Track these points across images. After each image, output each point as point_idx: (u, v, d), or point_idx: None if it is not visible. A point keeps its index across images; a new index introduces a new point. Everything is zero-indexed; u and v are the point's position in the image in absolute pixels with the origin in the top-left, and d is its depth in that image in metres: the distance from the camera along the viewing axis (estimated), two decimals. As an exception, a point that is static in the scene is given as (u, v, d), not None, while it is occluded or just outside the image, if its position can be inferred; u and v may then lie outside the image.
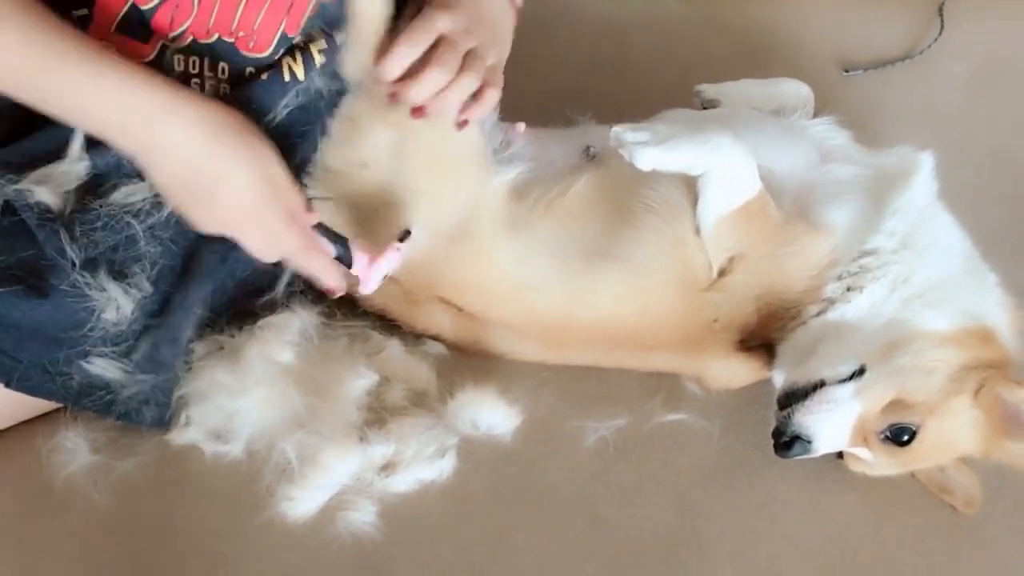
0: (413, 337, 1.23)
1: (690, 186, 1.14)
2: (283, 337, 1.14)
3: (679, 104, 1.33)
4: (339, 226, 1.11)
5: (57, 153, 1.01)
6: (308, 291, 1.19)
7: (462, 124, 1.06)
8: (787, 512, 1.13)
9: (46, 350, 1.03)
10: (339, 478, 1.08)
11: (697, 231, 1.14)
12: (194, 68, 1.05)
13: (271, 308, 1.17)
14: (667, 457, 1.16)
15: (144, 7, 0.99)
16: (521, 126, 1.24)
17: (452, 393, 1.16)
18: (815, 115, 1.34)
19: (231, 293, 1.14)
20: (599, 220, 1.18)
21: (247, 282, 1.15)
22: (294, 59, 1.08)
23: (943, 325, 1.09)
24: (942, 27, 1.75)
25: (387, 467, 1.11)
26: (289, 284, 1.18)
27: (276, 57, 1.07)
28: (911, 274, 1.12)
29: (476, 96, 1.05)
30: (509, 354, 1.22)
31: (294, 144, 1.09)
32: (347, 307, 1.22)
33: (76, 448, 1.09)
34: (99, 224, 1.02)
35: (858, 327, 1.11)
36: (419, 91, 1.02)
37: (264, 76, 1.06)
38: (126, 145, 0.96)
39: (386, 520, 1.07)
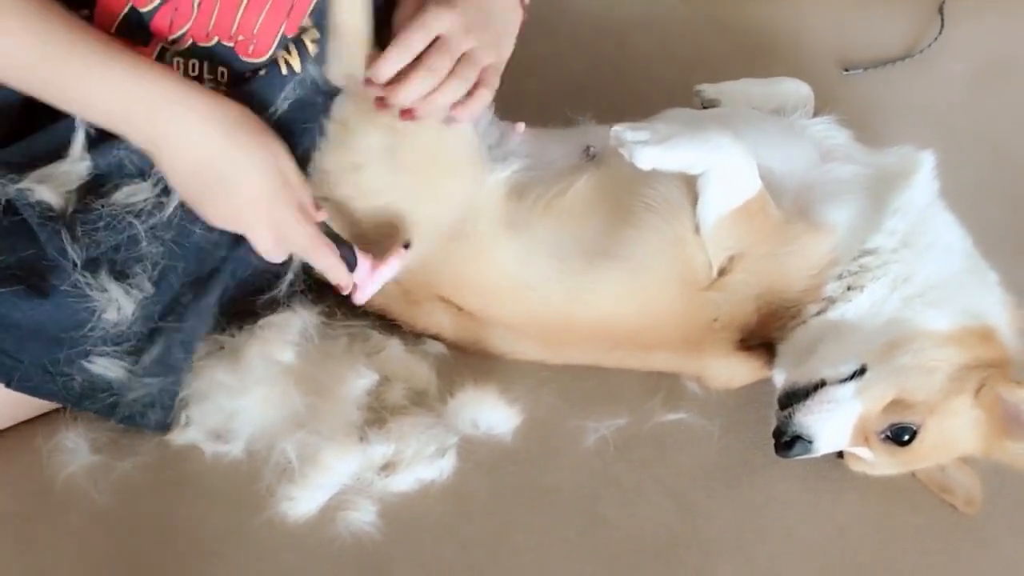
0: (413, 337, 1.23)
1: (690, 185, 1.14)
2: (284, 336, 1.14)
3: (679, 103, 1.33)
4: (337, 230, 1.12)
5: (58, 153, 1.01)
6: (308, 291, 1.20)
7: (449, 121, 1.07)
8: (787, 511, 1.13)
9: (47, 350, 1.03)
10: (339, 478, 1.08)
11: (697, 230, 1.14)
12: (193, 71, 1.05)
13: (271, 307, 1.17)
14: (667, 456, 1.16)
15: (143, 9, 0.99)
16: (521, 126, 1.24)
17: (452, 392, 1.17)
18: (815, 114, 1.34)
19: (231, 293, 1.14)
20: (599, 219, 1.18)
21: (247, 282, 1.15)
22: (288, 52, 1.08)
23: (944, 324, 1.09)
24: (942, 26, 1.75)
25: (387, 467, 1.11)
26: (290, 284, 1.18)
27: (274, 56, 1.07)
28: (912, 273, 1.12)
29: (467, 95, 1.05)
30: (509, 354, 1.22)
31: (295, 137, 1.10)
32: (347, 307, 1.22)
33: (77, 448, 1.09)
34: (101, 224, 1.02)
35: (859, 326, 1.11)
36: (406, 95, 1.02)
37: (262, 72, 1.07)
38: (132, 136, 0.97)
39: (386, 520, 1.07)
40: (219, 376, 1.11)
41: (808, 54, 1.68)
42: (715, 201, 1.12)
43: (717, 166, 1.10)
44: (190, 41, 1.02)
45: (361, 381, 1.14)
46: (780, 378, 1.16)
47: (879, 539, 1.12)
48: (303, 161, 1.12)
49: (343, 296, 1.16)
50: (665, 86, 1.57)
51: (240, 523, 1.06)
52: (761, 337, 1.16)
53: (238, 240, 1.08)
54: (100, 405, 1.07)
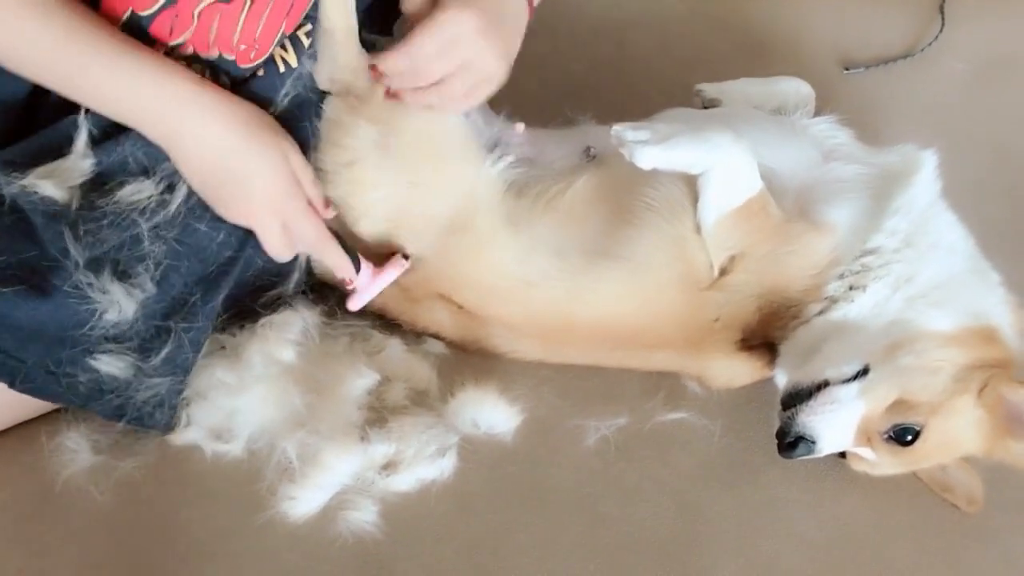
0: (414, 336, 1.23)
1: (691, 185, 1.14)
2: (284, 335, 1.14)
3: (679, 103, 1.33)
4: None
5: (61, 151, 1.02)
6: (310, 291, 1.20)
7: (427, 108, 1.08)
8: (788, 511, 1.13)
9: (49, 350, 1.03)
10: (340, 477, 1.08)
11: (698, 230, 1.14)
12: None
13: (272, 307, 1.17)
14: (668, 456, 1.16)
15: (142, 13, 0.99)
16: (521, 126, 1.24)
17: (453, 392, 1.17)
18: (816, 114, 1.34)
19: (233, 292, 1.14)
20: (599, 219, 1.18)
21: (248, 282, 1.15)
22: (284, 48, 1.08)
23: (947, 325, 1.09)
24: (943, 24, 1.75)
25: (388, 466, 1.11)
26: (297, 283, 1.18)
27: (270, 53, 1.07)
28: (914, 273, 1.12)
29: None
30: (509, 353, 1.22)
31: (295, 135, 1.10)
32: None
33: (78, 448, 1.09)
34: (105, 222, 1.02)
35: (861, 326, 1.11)
36: (402, 83, 1.04)
37: (261, 72, 1.07)
38: (146, 132, 0.99)
39: (387, 519, 1.08)
40: (219, 375, 1.11)
41: (808, 53, 1.68)
42: (716, 201, 1.11)
43: (717, 166, 1.10)
44: (191, 49, 1.02)
45: (362, 381, 1.15)
46: (781, 378, 1.16)
47: (880, 538, 1.12)
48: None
49: (343, 295, 1.17)
50: (665, 86, 1.57)
51: (241, 523, 1.06)
52: (762, 337, 1.16)
53: (244, 241, 1.09)
54: (107, 407, 1.07)
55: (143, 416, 1.08)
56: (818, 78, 1.41)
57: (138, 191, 1.03)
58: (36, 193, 1.00)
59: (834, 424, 1.06)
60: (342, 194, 1.15)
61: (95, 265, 1.02)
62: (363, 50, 1.13)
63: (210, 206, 1.05)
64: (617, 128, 1.11)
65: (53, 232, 1.01)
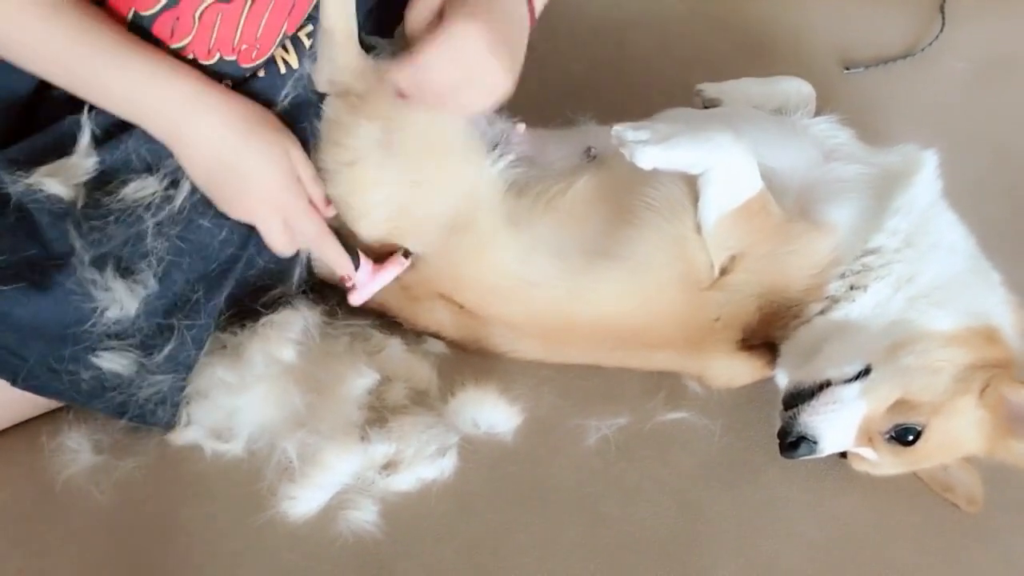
0: (414, 336, 1.23)
1: (691, 185, 1.14)
2: (285, 335, 1.14)
3: (679, 103, 1.33)
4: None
5: (64, 150, 1.02)
6: (311, 291, 1.20)
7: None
8: (789, 510, 1.13)
9: (51, 347, 1.03)
10: (340, 477, 1.09)
11: (698, 230, 1.14)
12: None
13: (273, 306, 1.17)
14: (668, 456, 1.16)
15: (144, 13, 0.99)
16: (522, 126, 1.24)
17: (453, 392, 1.17)
18: (817, 113, 1.34)
19: (234, 292, 1.14)
20: (600, 219, 1.18)
21: (249, 281, 1.16)
22: (286, 49, 1.09)
23: (948, 325, 1.09)
24: (943, 24, 1.75)
25: (388, 466, 1.11)
26: (302, 282, 1.19)
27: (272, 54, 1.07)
28: (915, 273, 1.12)
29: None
30: (509, 353, 1.22)
31: (297, 134, 1.11)
32: (349, 306, 1.22)
33: (79, 448, 1.09)
34: (111, 219, 1.03)
35: (863, 326, 1.11)
36: (410, 95, 1.03)
37: (261, 73, 1.07)
38: (150, 130, 1.00)
39: (387, 519, 1.08)
40: (220, 373, 1.12)
41: (809, 53, 1.68)
42: (716, 200, 1.11)
43: (718, 165, 1.10)
44: (191, 55, 1.03)
45: (362, 380, 1.15)
46: (782, 378, 1.16)
47: (880, 538, 1.12)
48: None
49: (344, 295, 1.17)
50: (665, 86, 1.57)
51: (241, 522, 1.06)
52: (763, 336, 1.16)
53: (247, 239, 1.09)
54: (109, 404, 1.07)
55: (145, 413, 1.08)
56: (818, 78, 1.41)
57: (142, 188, 1.04)
58: (41, 191, 1.00)
59: (836, 424, 1.06)
60: (343, 193, 1.15)
61: (99, 262, 1.03)
62: (363, 52, 1.14)
63: (213, 203, 1.05)
64: (617, 128, 1.11)
65: (59, 231, 1.01)
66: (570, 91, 1.52)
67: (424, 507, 1.09)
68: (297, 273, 1.18)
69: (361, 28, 1.15)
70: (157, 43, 1.01)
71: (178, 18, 0.99)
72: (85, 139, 1.02)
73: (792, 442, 1.06)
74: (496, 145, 1.21)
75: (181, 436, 1.11)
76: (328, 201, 1.11)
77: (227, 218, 1.08)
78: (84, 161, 1.02)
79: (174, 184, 1.05)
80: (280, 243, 1.09)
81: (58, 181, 1.01)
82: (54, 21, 0.93)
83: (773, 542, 1.10)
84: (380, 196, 1.16)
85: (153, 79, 0.97)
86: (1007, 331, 1.11)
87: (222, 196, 1.05)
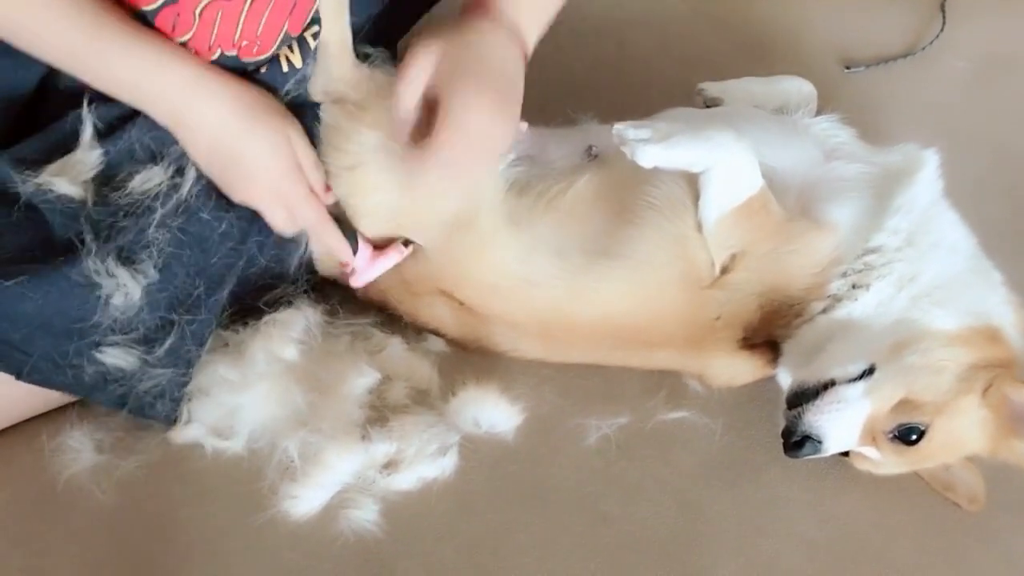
0: (415, 335, 1.23)
1: (692, 184, 1.14)
2: (287, 333, 1.14)
3: (680, 103, 1.33)
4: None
5: (68, 146, 1.03)
6: (312, 290, 1.20)
7: None
8: (789, 510, 1.13)
9: (56, 343, 1.04)
10: (341, 476, 1.09)
11: (699, 228, 1.14)
12: None
13: (276, 305, 1.17)
14: (669, 455, 1.16)
15: (145, 8, 1.00)
16: (523, 125, 1.24)
17: (454, 391, 1.17)
18: (818, 113, 1.34)
19: (236, 290, 1.14)
20: (601, 218, 1.18)
21: (251, 280, 1.16)
22: (291, 49, 1.09)
23: (951, 324, 1.09)
24: (944, 23, 1.75)
25: (389, 465, 1.11)
26: (294, 282, 1.19)
27: (275, 52, 1.07)
28: (917, 272, 1.11)
29: None
30: (510, 351, 1.22)
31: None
32: (350, 306, 1.22)
33: (81, 448, 1.09)
34: (121, 214, 1.04)
35: (866, 326, 1.11)
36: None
37: (263, 69, 1.07)
38: (157, 116, 1.02)
39: (388, 518, 1.08)
40: (221, 371, 1.12)
41: (809, 52, 1.68)
42: (717, 199, 1.11)
43: (719, 164, 1.10)
44: (192, 51, 1.03)
45: (363, 379, 1.15)
46: (784, 376, 1.16)
47: (881, 537, 1.12)
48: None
49: (345, 294, 1.17)
50: (666, 85, 1.57)
51: (243, 521, 1.06)
52: (764, 335, 1.16)
53: (246, 234, 1.10)
54: (110, 396, 1.07)
55: (144, 406, 1.09)
56: (819, 77, 1.41)
57: (148, 179, 1.05)
58: (51, 191, 1.01)
59: (840, 423, 1.06)
60: (344, 194, 1.15)
61: (102, 253, 1.03)
62: (358, 62, 1.15)
63: (214, 192, 1.07)
64: (619, 127, 1.11)
65: (72, 231, 1.02)
66: (571, 90, 1.52)
67: (425, 506, 1.09)
68: (296, 260, 1.18)
69: (360, 33, 1.16)
70: None
71: (179, 14, 1.00)
72: (88, 133, 1.03)
73: (796, 441, 1.06)
74: None
75: (182, 434, 1.11)
76: (328, 188, 1.12)
77: (226, 212, 1.09)
78: (89, 155, 1.03)
79: (179, 172, 1.06)
80: (281, 226, 1.10)
81: (67, 180, 1.02)
82: (60, 7, 0.94)
83: (774, 541, 1.10)
84: (380, 197, 1.16)
85: (157, 65, 0.98)
86: (1009, 331, 1.10)
87: (224, 180, 1.06)
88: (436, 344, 1.22)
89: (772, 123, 1.25)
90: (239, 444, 1.11)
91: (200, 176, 1.07)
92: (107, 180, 1.04)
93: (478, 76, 1.01)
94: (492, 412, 1.16)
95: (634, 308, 1.16)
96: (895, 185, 1.15)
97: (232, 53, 1.04)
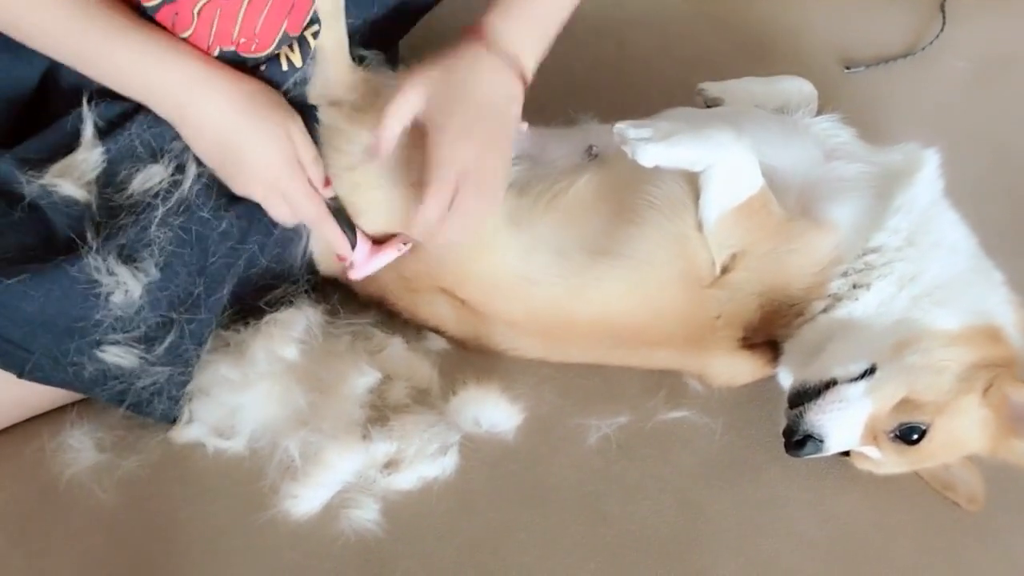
0: (415, 334, 1.23)
1: (692, 183, 1.14)
2: (288, 333, 1.14)
3: (680, 103, 1.33)
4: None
5: (70, 146, 1.04)
6: (313, 289, 1.20)
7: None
8: (789, 509, 1.13)
9: (57, 341, 1.04)
10: (342, 476, 1.09)
11: (700, 228, 1.14)
12: None
13: (277, 305, 1.17)
14: (669, 454, 1.16)
15: (146, 4, 1.00)
16: (524, 125, 1.24)
17: (454, 391, 1.17)
18: (818, 113, 1.34)
19: (237, 290, 1.15)
20: (601, 217, 1.18)
21: (252, 280, 1.16)
22: (291, 49, 1.09)
23: (952, 324, 1.09)
24: (944, 23, 1.75)
25: (390, 465, 1.11)
26: (295, 282, 1.19)
27: (275, 51, 1.08)
28: (918, 272, 1.12)
29: None
30: (510, 350, 1.22)
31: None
32: (350, 305, 1.23)
33: (81, 447, 1.09)
34: (122, 213, 1.05)
35: (867, 325, 1.11)
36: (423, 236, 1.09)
37: (263, 67, 1.07)
38: (159, 109, 1.03)
39: (389, 517, 1.08)
40: (223, 371, 1.12)
41: (809, 52, 1.68)
42: (717, 198, 1.12)
43: (719, 163, 1.10)
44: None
45: (364, 379, 1.15)
46: (784, 376, 1.16)
47: (881, 537, 1.12)
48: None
49: (346, 294, 1.17)
50: (666, 85, 1.57)
51: (243, 521, 1.07)
52: (764, 335, 1.16)
53: (246, 233, 1.11)
54: (110, 392, 1.08)
55: (142, 403, 1.09)
56: (819, 77, 1.41)
57: (149, 177, 1.06)
58: (56, 192, 1.01)
59: (842, 423, 1.06)
60: (344, 193, 1.15)
61: (104, 252, 1.04)
62: (354, 65, 1.16)
63: (214, 192, 1.08)
64: (619, 126, 1.11)
65: (76, 232, 1.03)
66: (571, 90, 1.52)
67: (425, 506, 1.09)
68: (297, 260, 1.19)
69: (356, 36, 1.16)
70: None
71: (177, 13, 1.00)
72: (89, 131, 1.04)
73: (798, 441, 1.06)
74: None
75: (183, 434, 1.11)
76: (328, 182, 1.12)
77: (226, 211, 1.09)
78: (91, 154, 1.04)
79: (180, 169, 1.07)
80: (282, 218, 1.11)
81: (71, 182, 1.03)
82: (64, 2, 0.95)
83: (774, 541, 1.10)
84: (381, 196, 1.16)
85: (159, 60, 0.99)
86: (1009, 330, 1.11)
87: (226, 173, 1.07)
88: (436, 343, 1.23)
89: (773, 123, 1.25)
90: (240, 444, 1.11)
91: (200, 175, 1.08)
92: (109, 180, 1.05)
93: (464, 115, 1.05)
94: (493, 412, 1.16)
95: (634, 307, 1.16)
96: (895, 185, 1.15)
97: (230, 48, 1.05)
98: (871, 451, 1.08)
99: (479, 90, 1.06)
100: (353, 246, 1.15)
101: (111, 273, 1.03)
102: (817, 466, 1.15)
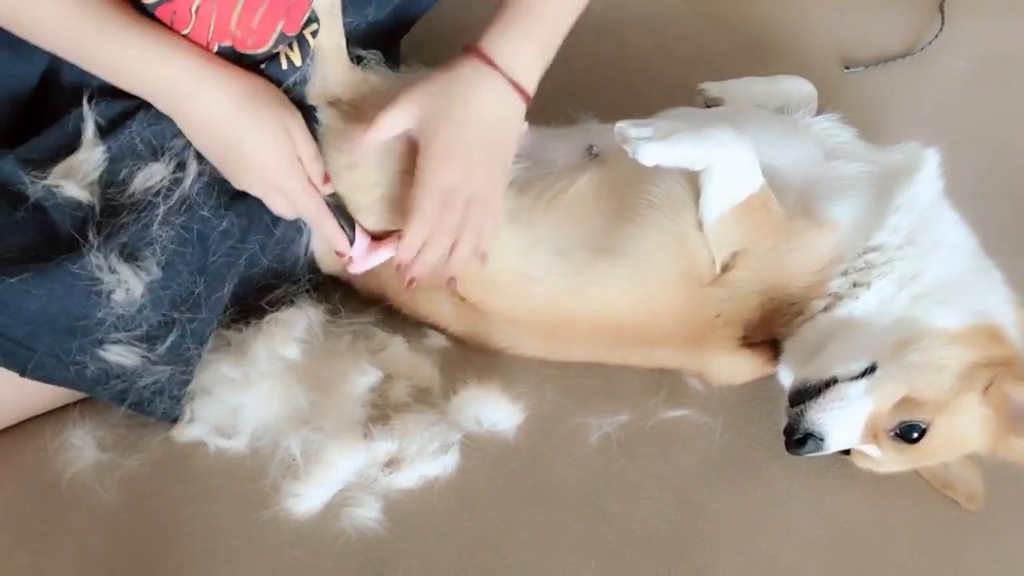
0: (416, 333, 1.23)
1: (693, 182, 1.14)
2: (289, 332, 1.14)
3: (680, 103, 1.33)
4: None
5: (72, 144, 1.04)
6: (314, 289, 1.21)
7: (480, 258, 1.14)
8: (789, 508, 1.13)
9: (59, 340, 1.04)
10: (343, 475, 1.09)
11: (700, 226, 1.14)
12: None
13: (278, 304, 1.17)
14: (670, 453, 1.16)
15: (145, 1, 1.00)
16: (524, 125, 1.24)
17: (455, 390, 1.17)
18: (818, 112, 1.34)
19: (238, 290, 1.15)
20: (601, 216, 1.18)
21: (253, 280, 1.16)
22: (291, 48, 1.09)
23: (952, 323, 1.09)
24: (943, 23, 1.75)
25: (391, 463, 1.11)
26: (296, 282, 1.19)
27: (274, 50, 1.08)
28: (919, 271, 1.12)
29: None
30: (511, 349, 1.22)
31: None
32: (352, 304, 1.23)
33: (83, 446, 1.09)
34: (124, 212, 1.05)
35: (867, 324, 1.11)
36: (427, 260, 1.12)
37: (262, 66, 1.08)
38: (160, 104, 1.03)
39: (390, 516, 1.08)
40: (223, 370, 1.12)
41: (809, 52, 1.68)
42: (717, 197, 1.12)
43: (719, 162, 1.10)
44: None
45: (365, 378, 1.15)
46: (784, 375, 1.16)
47: (881, 535, 1.12)
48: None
49: (347, 293, 1.17)
50: (666, 85, 1.57)
51: (245, 520, 1.07)
52: (764, 333, 1.16)
53: (246, 232, 1.11)
54: (111, 391, 1.08)
55: (143, 401, 1.09)
56: (818, 77, 1.41)
57: (150, 176, 1.06)
58: (59, 193, 1.02)
59: (843, 421, 1.06)
60: (345, 191, 1.15)
61: (106, 250, 1.04)
62: (352, 65, 1.16)
63: (215, 190, 1.08)
64: (620, 125, 1.11)
65: (78, 232, 1.03)
66: (571, 90, 1.52)
67: (427, 504, 1.09)
68: (298, 260, 1.20)
69: (355, 35, 1.16)
70: None
71: (175, 12, 1.01)
72: (90, 130, 1.04)
73: (799, 439, 1.06)
74: None
75: (185, 433, 1.12)
76: (327, 179, 1.12)
77: (227, 210, 1.10)
78: (92, 153, 1.04)
79: (180, 167, 1.07)
80: (281, 212, 1.11)
81: (74, 183, 1.03)
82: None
83: (774, 539, 1.10)
84: (381, 193, 1.16)
85: (159, 55, 0.99)
86: (1010, 330, 1.11)
87: (226, 169, 1.07)
88: (437, 340, 1.23)
89: (773, 122, 1.26)
90: (241, 443, 1.11)
91: (201, 173, 1.08)
92: (111, 179, 1.05)
93: (452, 135, 1.06)
94: (493, 410, 1.16)
95: (634, 306, 1.16)
96: (895, 184, 1.15)
97: (227, 44, 1.05)
98: (871, 449, 1.08)
99: (474, 110, 1.07)
100: (351, 242, 1.15)
101: (113, 271, 1.03)
102: (817, 465, 1.15)
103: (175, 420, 1.12)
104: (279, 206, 1.10)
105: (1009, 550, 1.12)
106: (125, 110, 1.06)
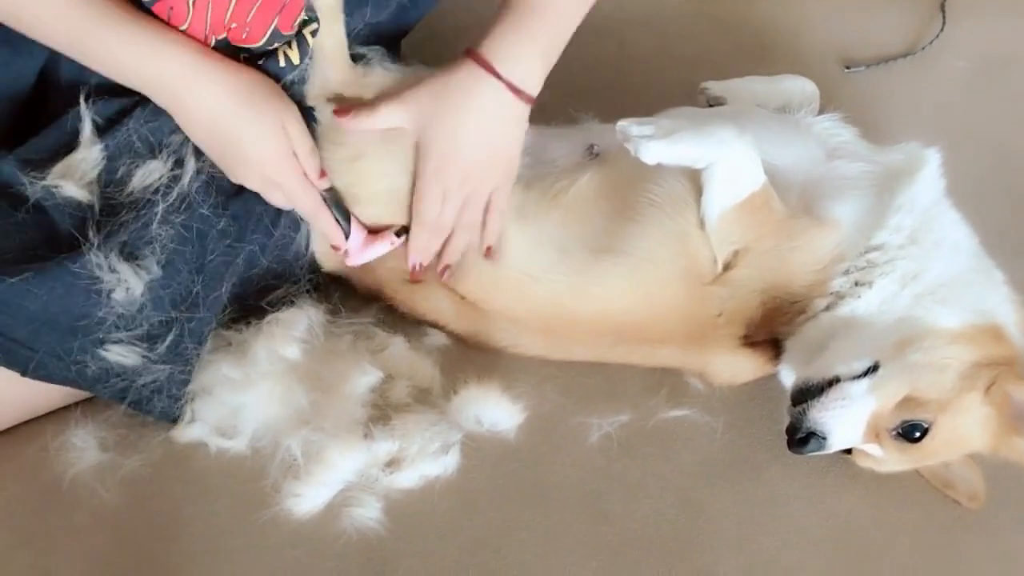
0: (417, 333, 1.23)
1: (694, 181, 1.14)
2: (290, 333, 1.14)
3: (681, 102, 1.33)
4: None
5: (70, 144, 1.05)
6: (314, 289, 1.21)
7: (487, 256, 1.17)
8: (790, 507, 1.13)
9: (60, 339, 1.04)
10: (344, 475, 1.09)
11: (701, 225, 1.14)
12: None
13: (278, 304, 1.17)
14: (671, 453, 1.16)
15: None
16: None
17: (456, 390, 1.17)
18: (820, 112, 1.34)
19: (238, 291, 1.15)
20: (603, 215, 1.18)
21: (253, 280, 1.16)
22: (290, 46, 1.09)
23: (954, 322, 1.09)
24: (944, 23, 1.75)
25: (392, 463, 1.11)
26: (296, 282, 1.19)
27: (271, 48, 1.08)
28: (920, 270, 1.12)
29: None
30: (511, 347, 1.22)
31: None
32: (352, 304, 1.23)
33: (85, 446, 1.09)
34: (123, 211, 1.05)
35: (870, 323, 1.11)
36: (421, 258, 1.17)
37: (260, 62, 1.08)
38: (157, 99, 1.04)
39: (391, 516, 1.08)
40: (225, 370, 1.12)
41: (810, 52, 1.68)
42: (719, 195, 1.12)
43: (721, 160, 1.10)
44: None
45: (365, 378, 1.15)
46: (786, 374, 1.16)
47: (882, 534, 1.12)
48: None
49: (347, 293, 1.18)
50: (667, 85, 1.57)
51: (246, 520, 1.07)
52: (766, 332, 1.16)
53: (243, 232, 1.11)
54: (111, 389, 1.08)
55: (142, 400, 1.09)
56: (819, 77, 1.41)
57: (149, 174, 1.06)
58: (59, 194, 1.02)
59: (845, 420, 1.06)
60: (347, 184, 1.16)
61: (106, 250, 1.04)
62: (352, 64, 1.16)
63: (213, 189, 1.09)
64: (622, 123, 1.11)
65: (78, 231, 1.03)
66: (572, 90, 1.52)
67: (427, 504, 1.10)
68: (298, 260, 1.20)
69: (355, 35, 1.16)
70: None
71: (172, 7, 1.01)
72: (87, 129, 1.05)
73: (801, 438, 1.06)
74: None
75: (185, 433, 1.12)
76: (323, 173, 1.13)
77: (225, 209, 1.10)
78: (90, 152, 1.04)
79: (179, 164, 1.07)
80: (279, 204, 1.12)
81: (73, 183, 1.04)
82: None
83: (774, 539, 1.10)
84: (383, 185, 1.16)
85: (156, 50, 1.00)
86: (1011, 329, 1.11)
87: (223, 163, 1.08)
88: (437, 340, 1.23)
89: (775, 122, 1.26)
90: (242, 443, 1.11)
91: (199, 170, 1.08)
92: (109, 178, 1.05)
93: (447, 142, 1.08)
94: (494, 410, 1.16)
95: (636, 305, 1.16)
96: (897, 183, 1.15)
97: (223, 36, 1.05)
98: (873, 449, 1.08)
99: (470, 115, 1.07)
100: (347, 235, 1.15)
101: (112, 270, 1.03)
102: (818, 464, 1.15)
103: (174, 419, 1.12)
104: (275, 199, 1.11)
105: (1010, 550, 1.12)
106: (122, 108, 1.06)
